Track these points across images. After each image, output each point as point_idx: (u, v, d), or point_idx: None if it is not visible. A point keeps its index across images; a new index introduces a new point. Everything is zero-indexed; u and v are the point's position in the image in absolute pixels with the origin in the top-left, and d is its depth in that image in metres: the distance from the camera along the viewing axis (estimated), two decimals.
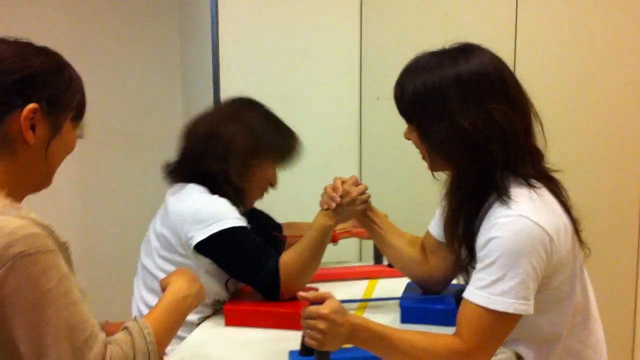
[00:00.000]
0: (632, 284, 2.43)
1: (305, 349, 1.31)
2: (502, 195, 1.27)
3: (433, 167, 1.40)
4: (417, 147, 1.40)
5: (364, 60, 2.48)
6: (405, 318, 1.57)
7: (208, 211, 1.62)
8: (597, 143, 2.38)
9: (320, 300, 1.21)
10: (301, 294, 1.23)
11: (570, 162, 2.07)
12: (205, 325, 1.61)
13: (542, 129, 1.35)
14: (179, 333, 1.65)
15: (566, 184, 1.36)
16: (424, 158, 1.41)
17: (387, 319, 1.57)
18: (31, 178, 1.12)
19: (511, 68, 1.36)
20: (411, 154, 2.28)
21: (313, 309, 1.20)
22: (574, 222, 1.33)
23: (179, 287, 1.27)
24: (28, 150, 1.09)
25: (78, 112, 1.17)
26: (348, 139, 2.49)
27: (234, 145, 1.68)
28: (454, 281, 1.66)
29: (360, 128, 2.50)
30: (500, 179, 1.28)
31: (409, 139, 1.41)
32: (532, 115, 1.34)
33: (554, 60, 2.38)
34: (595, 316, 1.43)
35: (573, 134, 2.36)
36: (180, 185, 1.71)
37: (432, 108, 1.29)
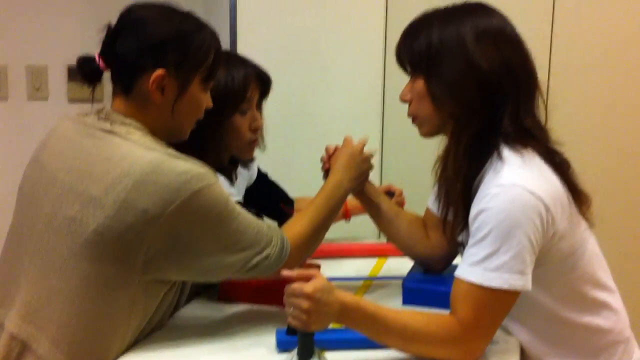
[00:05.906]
0: None
1: (291, 328, 1.24)
2: (500, 153, 1.22)
3: (429, 128, 1.33)
4: (418, 103, 1.32)
5: (388, 28, 2.36)
6: (407, 299, 1.48)
7: None
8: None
9: (305, 279, 1.14)
10: (285, 272, 1.15)
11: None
12: (200, 299, 1.55)
13: (545, 107, 1.30)
14: None
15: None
16: (414, 121, 1.35)
17: (389, 299, 1.49)
18: (163, 129, 1.27)
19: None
20: None
21: (297, 286, 1.13)
22: (574, 192, 1.24)
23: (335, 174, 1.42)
24: (158, 106, 1.24)
25: (208, 74, 1.28)
26: (370, 111, 2.38)
27: None
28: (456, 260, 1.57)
29: (383, 100, 2.39)
30: (509, 126, 1.23)
31: (405, 100, 1.34)
32: (537, 82, 1.28)
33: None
34: (609, 287, 1.34)
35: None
36: None
37: (448, 50, 1.24)
